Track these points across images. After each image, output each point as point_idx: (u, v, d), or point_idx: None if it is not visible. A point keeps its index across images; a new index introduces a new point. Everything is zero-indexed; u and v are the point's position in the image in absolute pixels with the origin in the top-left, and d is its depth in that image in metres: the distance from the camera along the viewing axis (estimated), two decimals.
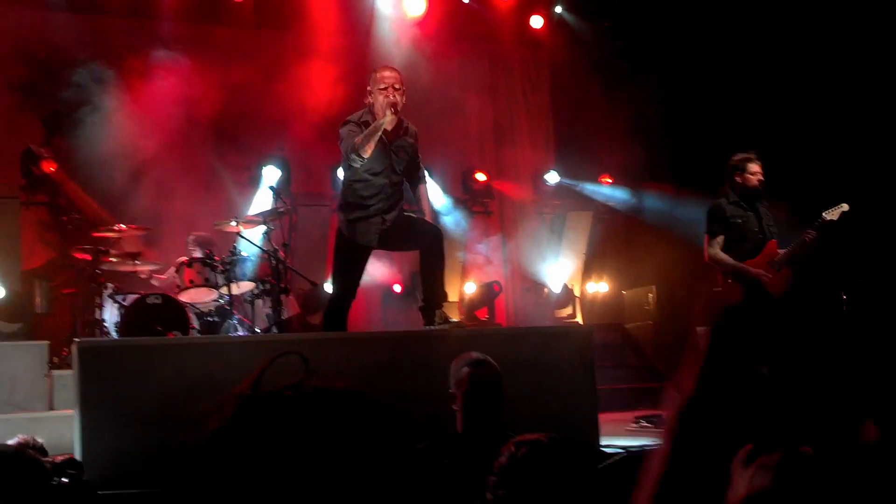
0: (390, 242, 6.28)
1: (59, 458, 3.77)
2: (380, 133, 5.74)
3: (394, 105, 5.72)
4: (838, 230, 6.90)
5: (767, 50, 9.47)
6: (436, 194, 10.98)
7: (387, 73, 5.90)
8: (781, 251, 7.02)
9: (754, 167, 7.06)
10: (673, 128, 10.42)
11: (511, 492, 1.93)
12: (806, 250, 6.98)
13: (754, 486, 1.58)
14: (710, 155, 7.88)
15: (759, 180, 7.05)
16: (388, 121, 5.72)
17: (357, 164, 5.79)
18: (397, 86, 5.83)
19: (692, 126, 10.16)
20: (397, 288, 11.08)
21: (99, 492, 4.44)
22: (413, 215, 6.25)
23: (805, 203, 7.37)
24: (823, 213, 6.95)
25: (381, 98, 5.81)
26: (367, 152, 5.70)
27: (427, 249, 6.07)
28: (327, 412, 1.10)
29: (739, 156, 7.11)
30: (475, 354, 4.13)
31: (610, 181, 12.14)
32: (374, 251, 6.32)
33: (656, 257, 11.10)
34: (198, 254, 8.23)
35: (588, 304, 12.10)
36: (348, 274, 6.12)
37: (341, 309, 6.10)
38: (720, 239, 7.03)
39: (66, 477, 3.42)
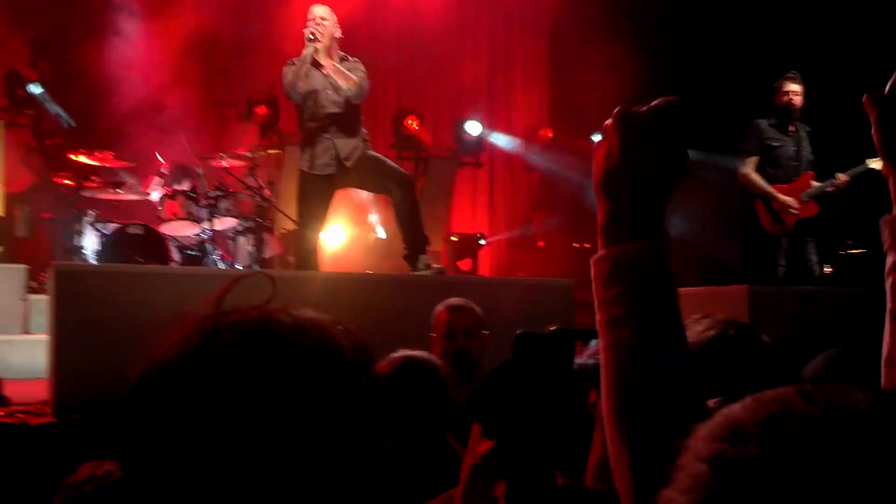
0: (357, 180, 6.27)
1: None
2: (305, 63, 5.93)
3: (311, 34, 5.92)
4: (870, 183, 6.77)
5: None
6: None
7: (311, 8, 6.11)
8: (816, 184, 6.89)
9: (787, 86, 6.87)
10: (673, 89, 10.30)
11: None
12: (836, 191, 6.86)
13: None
14: (715, 118, 7.75)
15: (789, 100, 6.86)
16: (307, 53, 5.91)
17: (295, 100, 6.06)
18: (317, 19, 6.00)
19: (693, 87, 10.04)
20: (382, 234, 11.03)
21: (68, 415, 4.41)
22: (381, 157, 6.38)
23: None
24: (867, 160, 6.76)
25: (305, 32, 6.00)
26: (296, 86, 5.95)
27: (399, 197, 6.09)
28: (300, 348, 0.98)
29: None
30: (456, 300, 4.09)
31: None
32: (348, 192, 6.34)
33: None
34: (181, 186, 8.13)
35: (571, 262, 12.07)
36: (310, 207, 6.13)
37: (309, 245, 6.09)
38: (754, 159, 6.89)
39: None
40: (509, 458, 1.29)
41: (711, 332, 1.90)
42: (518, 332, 1.31)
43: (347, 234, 10.44)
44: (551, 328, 1.33)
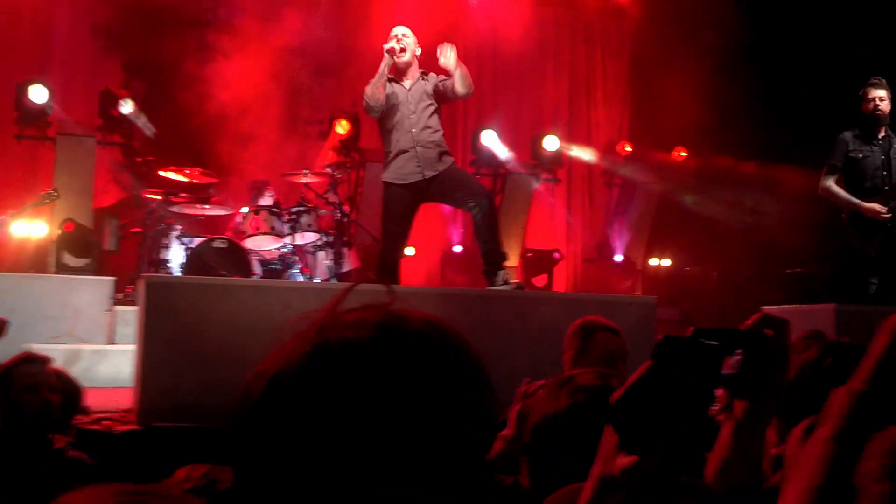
0: (439, 194, 6.30)
1: None
2: (383, 76, 6.02)
3: (389, 51, 6.03)
4: None
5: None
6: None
7: (393, 28, 6.25)
8: None
9: (872, 93, 6.60)
10: (753, 107, 10.16)
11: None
12: None
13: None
14: (794, 133, 7.60)
15: (874, 107, 6.59)
16: (385, 64, 6.02)
17: (372, 113, 6.15)
18: (399, 36, 6.15)
19: (770, 106, 9.90)
20: (457, 249, 11.07)
21: (153, 423, 4.52)
22: (463, 171, 6.52)
23: None
24: None
25: (384, 48, 6.14)
26: (376, 98, 6.01)
27: (479, 213, 6.10)
28: (418, 361, 0.92)
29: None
30: (604, 320, 3.63)
31: (684, 154, 11.90)
32: (428, 208, 6.36)
33: (722, 235, 10.88)
34: (265, 201, 8.30)
35: (650, 279, 11.93)
36: (395, 218, 6.18)
37: (391, 259, 6.14)
38: (836, 173, 6.65)
39: None
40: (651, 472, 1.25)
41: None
42: (660, 336, 1.26)
43: (425, 247, 10.52)
44: (690, 329, 1.28)
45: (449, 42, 6.07)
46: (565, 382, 1.83)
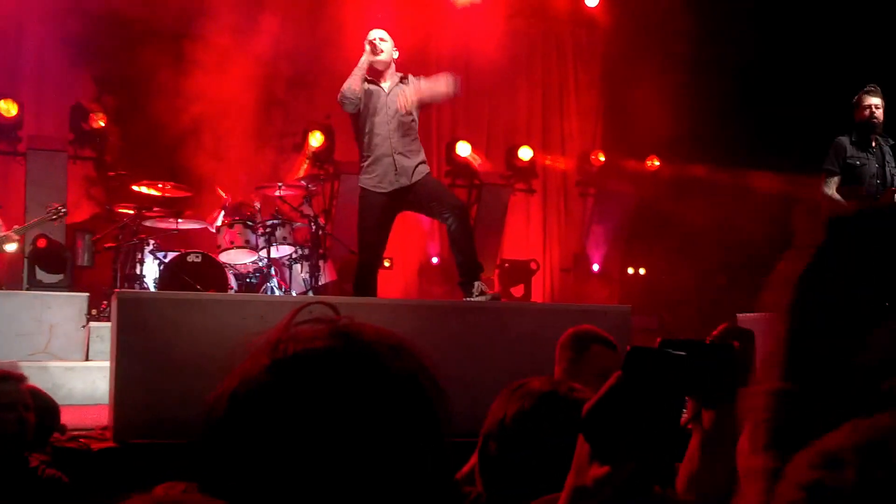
0: (415, 203, 6.30)
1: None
2: (362, 69, 6.08)
3: (370, 42, 6.10)
4: None
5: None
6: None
7: (370, 31, 6.28)
8: None
9: (868, 100, 6.61)
10: (726, 112, 10.26)
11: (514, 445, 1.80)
12: None
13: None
14: (772, 139, 7.63)
15: (870, 114, 6.59)
16: (365, 58, 6.09)
17: (347, 108, 6.14)
18: (376, 39, 6.18)
19: (744, 110, 10.00)
20: (434, 260, 11.07)
21: (129, 440, 4.48)
22: (439, 182, 6.55)
23: None
24: None
25: (365, 46, 6.20)
26: (353, 90, 6.04)
27: (454, 224, 6.11)
28: (374, 372, 0.95)
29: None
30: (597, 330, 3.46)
31: (657, 164, 11.98)
32: (405, 218, 6.37)
33: (699, 244, 10.95)
34: (238, 215, 8.27)
35: (626, 288, 11.98)
36: (371, 228, 6.17)
37: (368, 271, 6.13)
38: (835, 179, 6.65)
39: None
40: (624, 482, 1.26)
41: None
42: (628, 347, 1.28)
43: (402, 258, 10.51)
44: (657, 340, 1.30)
45: (421, 53, 6.12)
46: (517, 388, 1.83)
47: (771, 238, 9.34)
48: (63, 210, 6.47)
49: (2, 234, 5.99)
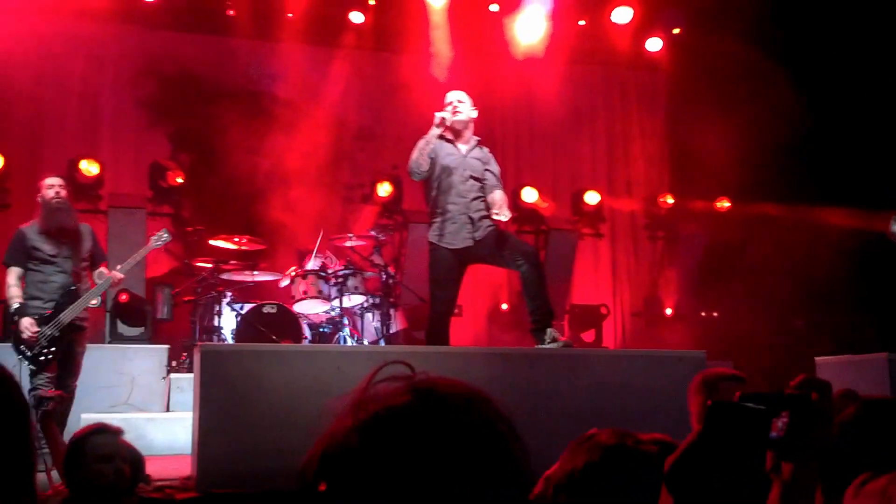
0: (485, 256, 6.34)
1: None
2: (429, 145, 6.12)
3: (440, 122, 6.13)
4: None
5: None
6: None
7: (448, 93, 6.36)
8: None
9: None
10: (794, 151, 10.14)
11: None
12: None
13: None
14: (842, 175, 7.50)
15: None
16: (432, 134, 6.12)
17: (415, 178, 6.23)
18: (454, 102, 6.25)
19: (815, 149, 9.87)
20: (504, 307, 11.09)
21: (211, 490, 4.58)
22: (507, 231, 6.48)
23: None
24: None
25: (436, 115, 6.22)
26: (419, 165, 6.12)
27: (527, 271, 6.11)
28: (452, 424, 1.02)
29: None
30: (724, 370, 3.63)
31: (728, 205, 11.86)
32: (474, 268, 6.40)
33: (773, 285, 10.77)
34: (312, 266, 8.44)
35: (699, 332, 11.81)
36: (443, 283, 6.22)
37: (441, 322, 6.17)
38: None
39: None
40: None
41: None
42: (710, 401, 1.31)
43: (472, 306, 10.55)
44: (737, 394, 1.32)
45: (484, 101, 6.16)
46: (585, 441, 1.86)
47: (846, 277, 9.18)
48: (165, 235, 6.70)
49: (106, 275, 6.23)
